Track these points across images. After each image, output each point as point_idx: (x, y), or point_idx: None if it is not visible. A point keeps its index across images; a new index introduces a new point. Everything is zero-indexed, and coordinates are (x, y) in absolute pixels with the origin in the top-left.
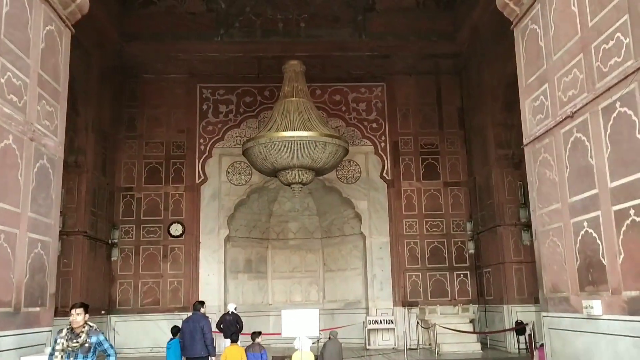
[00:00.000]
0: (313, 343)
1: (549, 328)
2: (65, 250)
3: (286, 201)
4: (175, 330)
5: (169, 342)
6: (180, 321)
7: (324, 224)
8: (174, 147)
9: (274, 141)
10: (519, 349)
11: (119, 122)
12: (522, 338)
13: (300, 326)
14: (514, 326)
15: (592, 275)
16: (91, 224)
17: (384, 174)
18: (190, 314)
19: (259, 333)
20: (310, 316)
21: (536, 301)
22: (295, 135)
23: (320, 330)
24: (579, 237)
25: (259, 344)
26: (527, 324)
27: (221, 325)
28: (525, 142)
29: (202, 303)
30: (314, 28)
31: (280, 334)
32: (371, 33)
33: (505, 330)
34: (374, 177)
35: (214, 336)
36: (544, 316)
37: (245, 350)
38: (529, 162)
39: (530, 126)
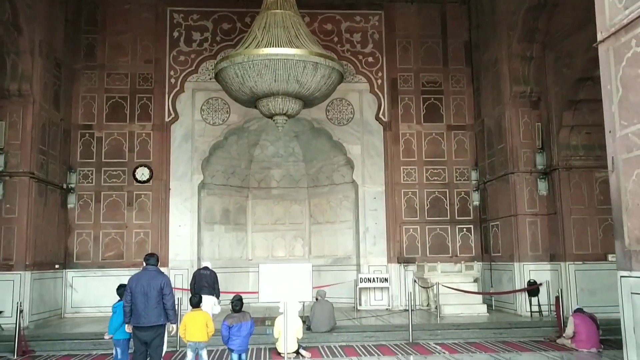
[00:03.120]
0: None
1: (632, 293)
2: (8, 193)
3: (269, 145)
4: (121, 289)
5: (114, 304)
6: None
7: (311, 172)
8: (140, 80)
9: (254, 60)
10: (531, 312)
11: (76, 49)
12: (534, 300)
13: (286, 287)
14: (525, 286)
15: None
16: (40, 164)
17: (380, 115)
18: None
19: (240, 301)
20: (301, 273)
21: (552, 259)
22: (280, 52)
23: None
24: None
25: (245, 312)
26: (540, 284)
27: (194, 284)
28: (601, 36)
29: (155, 256)
30: None
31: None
32: None
33: (516, 291)
34: (369, 118)
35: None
36: (622, 277)
37: (225, 320)
38: (606, 64)
39: (613, 12)
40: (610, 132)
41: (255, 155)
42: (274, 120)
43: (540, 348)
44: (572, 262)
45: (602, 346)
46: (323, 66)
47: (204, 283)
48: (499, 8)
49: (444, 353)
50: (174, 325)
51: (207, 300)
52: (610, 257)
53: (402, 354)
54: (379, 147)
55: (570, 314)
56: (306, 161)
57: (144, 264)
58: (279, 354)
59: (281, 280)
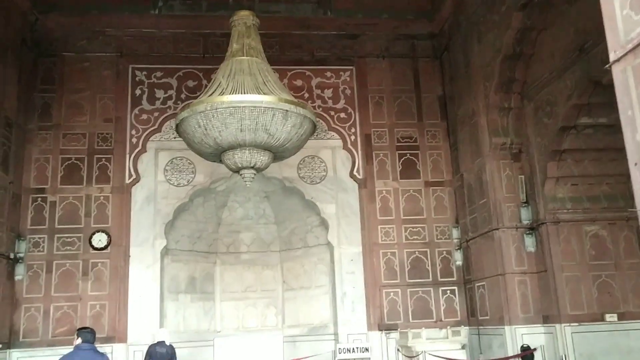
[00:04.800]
0: None
1: None
2: None
3: (238, 207)
4: None
5: None
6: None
7: (283, 234)
8: (99, 140)
9: (218, 108)
10: None
11: (29, 108)
12: None
13: None
14: (519, 352)
15: None
16: None
17: (355, 172)
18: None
19: None
20: (268, 346)
21: (546, 320)
22: (246, 99)
23: None
24: None
25: None
26: (535, 349)
27: None
28: (615, 55)
29: (91, 332)
30: (271, 2)
31: None
32: (337, 9)
33: (509, 358)
34: (343, 176)
35: None
36: None
37: None
38: (623, 87)
39: (628, 26)
40: (636, 164)
41: (223, 217)
42: (240, 175)
43: None
44: (567, 324)
45: None
46: (294, 114)
47: None
48: (473, 60)
49: None
50: None
51: None
52: (608, 317)
53: None
54: (354, 205)
55: None
56: (278, 223)
57: (76, 340)
58: None
59: (244, 357)
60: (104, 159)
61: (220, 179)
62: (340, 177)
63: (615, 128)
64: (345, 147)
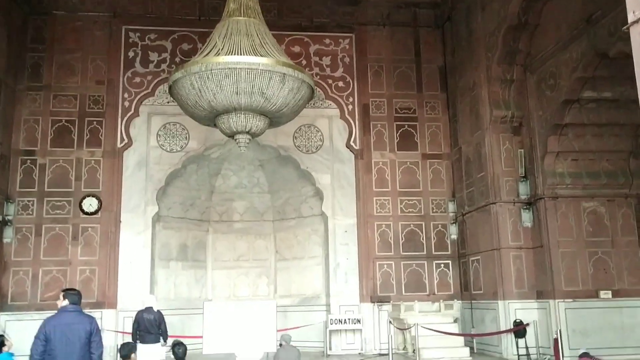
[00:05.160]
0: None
1: None
2: None
3: (231, 175)
4: None
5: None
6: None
7: (277, 204)
8: (91, 102)
9: (213, 69)
10: (518, 355)
11: (19, 68)
12: (521, 342)
13: (242, 333)
14: (511, 327)
15: None
16: None
17: (351, 143)
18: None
19: (182, 346)
20: (262, 314)
21: (540, 296)
22: (242, 61)
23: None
24: None
25: None
26: (528, 324)
27: (138, 328)
28: (634, 16)
29: (77, 293)
30: None
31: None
32: None
33: (502, 332)
34: (339, 146)
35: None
36: None
37: None
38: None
39: None
40: None
41: (216, 185)
42: (235, 140)
43: None
44: (561, 300)
45: None
46: (292, 78)
47: (148, 328)
48: (477, 30)
49: None
50: None
51: (151, 350)
52: (602, 294)
53: None
54: (350, 176)
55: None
56: (272, 192)
57: (62, 302)
58: None
59: (235, 324)
60: (95, 122)
61: (214, 145)
62: (337, 147)
63: (619, 103)
64: (342, 117)
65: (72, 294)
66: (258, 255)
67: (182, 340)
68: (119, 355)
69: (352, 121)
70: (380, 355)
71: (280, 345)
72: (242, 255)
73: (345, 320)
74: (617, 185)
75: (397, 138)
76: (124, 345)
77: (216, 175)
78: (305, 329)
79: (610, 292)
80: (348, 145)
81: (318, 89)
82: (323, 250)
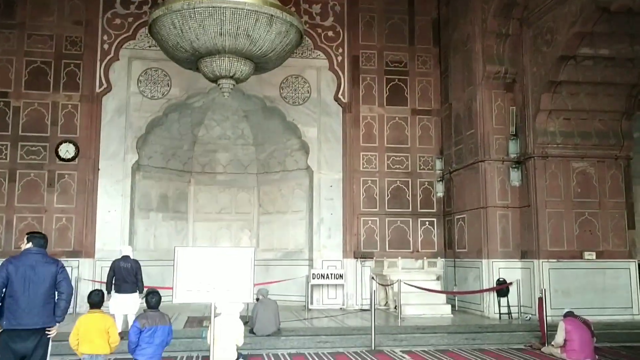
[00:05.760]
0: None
1: None
2: None
3: (215, 125)
4: None
5: None
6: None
7: (261, 156)
8: (68, 44)
9: (196, 7)
10: (500, 313)
11: None
12: (503, 300)
13: (215, 282)
14: (494, 285)
15: None
16: None
17: (340, 96)
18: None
19: (157, 295)
20: (239, 262)
21: (524, 256)
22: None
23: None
24: None
25: (163, 313)
26: (510, 283)
27: (114, 277)
28: None
29: (43, 237)
30: None
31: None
32: None
33: (484, 291)
34: (327, 98)
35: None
36: None
37: (137, 321)
38: None
39: None
40: None
41: (199, 136)
42: (218, 85)
43: (526, 358)
44: (545, 260)
45: (597, 357)
46: (279, 20)
47: (124, 277)
48: None
49: None
50: (55, 330)
51: (127, 300)
52: (586, 255)
53: None
54: (337, 130)
55: (562, 318)
56: (256, 144)
57: (25, 245)
58: None
59: (209, 272)
60: (72, 65)
61: (197, 93)
62: (324, 99)
63: (615, 61)
64: (331, 68)
65: (36, 237)
66: (241, 209)
67: (159, 290)
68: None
69: (341, 73)
70: (362, 310)
71: (258, 299)
72: (224, 208)
73: (327, 275)
74: (607, 146)
75: (386, 92)
76: (94, 292)
77: (199, 125)
78: (286, 284)
79: (594, 253)
80: (336, 98)
81: (307, 38)
82: (307, 204)
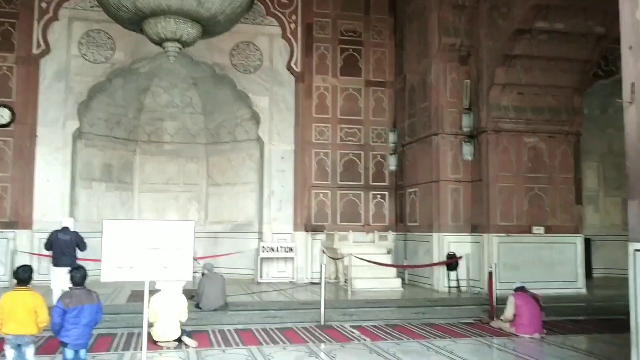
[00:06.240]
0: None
1: None
2: None
3: (162, 92)
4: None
5: None
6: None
7: (210, 126)
8: (2, 1)
9: None
10: (449, 287)
11: None
12: (452, 274)
13: (150, 259)
14: (444, 259)
15: None
16: None
17: (292, 65)
18: None
19: (82, 270)
20: (178, 235)
21: (474, 230)
22: None
23: (196, 259)
24: None
25: (88, 290)
26: (460, 257)
27: (51, 249)
28: None
29: None
30: None
31: None
32: None
33: (434, 265)
34: (279, 67)
35: None
36: (638, 251)
37: (60, 301)
38: None
39: None
40: (631, 48)
41: (145, 103)
42: (164, 48)
43: (475, 333)
44: (495, 234)
45: (545, 331)
46: None
47: (62, 250)
48: None
49: (365, 340)
50: None
51: (66, 274)
52: (534, 230)
53: (313, 341)
54: (289, 100)
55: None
56: (205, 114)
57: None
58: (156, 342)
59: (143, 248)
60: (7, 24)
61: (143, 58)
62: (277, 68)
63: (569, 36)
64: (284, 36)
65: None
66: (189, 179)
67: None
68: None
69: (294, 41)
70: (312, 284)
71: (203, 274)
72: (171, 179)
73: (277, 248)
74: (559, 122)
75: (340, 62)
76: (22, 268)
77: (145, 91)
78: (236, 257)
79: (542, 228)
80: (288, 67)
81: (258, 3)
82: (258, 176)
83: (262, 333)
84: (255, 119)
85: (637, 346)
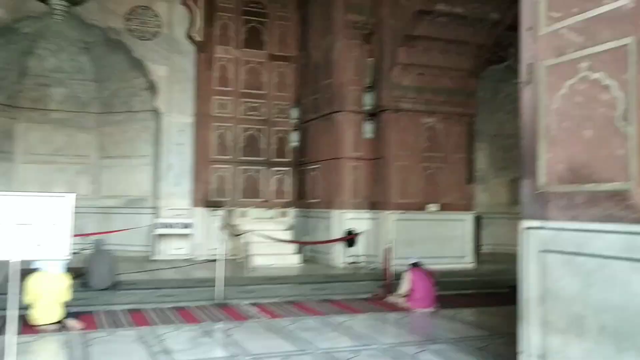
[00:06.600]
0: (74, 252)
1: (543, 251)
2: None
3: (49, 56)
4: None
5: None
6: None
7: (103, 94)
8: None
9: None
10: (347, 263)
11: None
12: (351, 250)
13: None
14: (344, 235)
15: None
16: None
17: (193, 33)
18: None
19: None
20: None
21: (373, 207)
22: None
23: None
24: None
25: None
26: (359, 234)
27: None
28: None
29: None
30: None
31: None
32: None
33: (333, 241)
34: (179, 35)
35: None
36: (530, 228)
37: None
38: None
39: None
40: (529, 29)
41: (29, 66)
42: (49, 5)
43: (372, 308)
44: (392, 211)
45: (438, 305)
46: None
47: None
48: None
49: (262, 317)
50: None
51: None
52: (430, 207)
53: (208, 320)
54: (189, 71)
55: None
56: (98, 81)
57: None
58: (33, 326)
59: (11, 224)
60: None
61: (26, 17)
62: (176, 36)
63: (467, 20)
64: (184, 2)
65: None
66: (78, 151)
67: None
68: None
69: (195, 8)
70: (210, 261)
71: (94, 251)
72: (59, 149)
73: (174, 224)
74: (455, 103)
75: (243, 34)
76: None
77: (29, 54)
78: (130, 233)
79: (437, 205)
80: (189, 36)
81: None
82: (154, 149)
83: (155, 313)
84: (153, 89)
85: (523, 320)
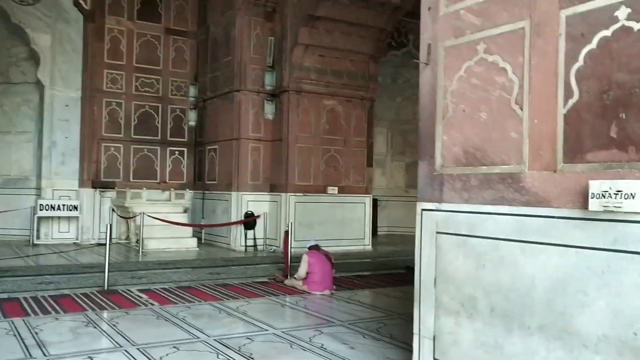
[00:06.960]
0: None
1: (438, 232)
2: None
3: None
4: None
5: None
6: None
7: None
8: None
9: None
10: (246, 246)
11: None
12: (250, 233)
13: None
14: (242, 218)
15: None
16: None
17: (81, 1)
18: None
19: None
20: None
21: (273, 189)
22: None
23: None
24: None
25: None
26: (258, 216)
27: None
28: None
29: None
30: None
31: None
32: None
33: (232, 224)
34: (65, 2)
35: None
36: (425, 210)
37: None
38: None
39: None
40: (430, 9)
41: None
42: None
43: (269, 292)
44: (293, 194)
45: (335, 287)
46: None
47: None
48: None
49: (152, 305)
50: None
51: None
52: (329, 190)
53: (93, 309)
54: (76, 41)
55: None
56: None
57: None
58: None
59: None
60: None
61: None
62: (61, 3)
63: (370, 3)
64: None
65: None
66: None
67: None
68: None
69: None
70: (99, 245)
71: None
72: None
73: (59, 206)
74: (356, 87)
75: (137, 5)
76: None
77: None
78: (8, 215)
79: (337, 188)
80: (76, 4)
81: None
82: (36, 125)
83: (32, 302)
84: (35, 59)
85: (419, 301)
